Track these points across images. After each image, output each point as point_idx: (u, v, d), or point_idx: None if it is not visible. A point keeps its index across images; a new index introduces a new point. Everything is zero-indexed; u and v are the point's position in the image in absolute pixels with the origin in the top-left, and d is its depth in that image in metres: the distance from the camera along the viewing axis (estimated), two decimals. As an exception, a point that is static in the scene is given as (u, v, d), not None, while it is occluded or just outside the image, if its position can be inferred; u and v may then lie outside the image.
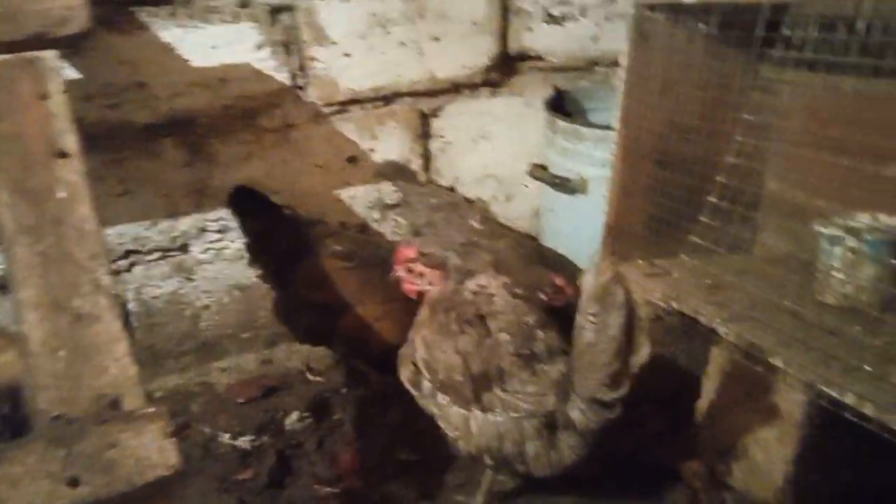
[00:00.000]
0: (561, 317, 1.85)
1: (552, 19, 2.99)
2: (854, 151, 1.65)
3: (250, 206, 2.50)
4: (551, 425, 1.73)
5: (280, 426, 2.43)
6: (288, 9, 2.54)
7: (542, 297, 2.42)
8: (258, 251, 2.53)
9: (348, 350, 2.51)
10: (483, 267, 1.98)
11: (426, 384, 1.88)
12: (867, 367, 1.53)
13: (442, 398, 1.85)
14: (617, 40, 2.84)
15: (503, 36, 2.92)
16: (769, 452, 1.93)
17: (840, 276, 1.85)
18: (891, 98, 1.62)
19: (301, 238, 2.49)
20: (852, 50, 1.53)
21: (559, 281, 2.44)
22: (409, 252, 2.01)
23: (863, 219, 1.91)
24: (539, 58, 3.03)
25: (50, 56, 1.65)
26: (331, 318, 2.34)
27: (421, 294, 1.98)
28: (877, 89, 1.56)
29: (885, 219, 1.88)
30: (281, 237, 2.49)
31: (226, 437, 2.38)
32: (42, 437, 1.18)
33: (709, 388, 2.13)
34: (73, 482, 1.14)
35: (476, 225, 2.87)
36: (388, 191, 2.91)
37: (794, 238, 2.11)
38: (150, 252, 2.61)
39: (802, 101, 1.80)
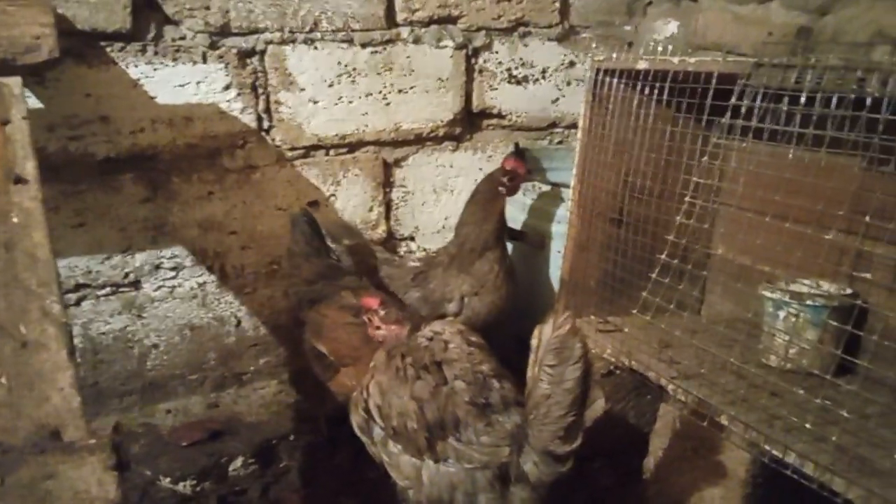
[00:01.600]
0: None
1: (515, 80, 3.09)
2: (797, 217, 1.73)
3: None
4: (504, 477, 1.72)
5: (224, 471, 2.37)
6: (257, 53, 2.58)
7: (502, 189, 2.52)
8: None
9: (331, 412, 2.47)
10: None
11: (378, 431, 1.86)
12: (808, 427, 1.58)
13: (394, 446, 1.82)
14: (576, 103, 2.98)
15: (467, 93, 3.01)
16: (714, 510, 1.95)
17: (784, 339, 1.91)
18: (831, 167, 1.71)
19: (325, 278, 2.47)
20: (795, 120, 1.62)
21: (509, 164, 2.52)
22: (373, 302, 2.02)
23: (805, 284, 1.99)
24: (501, 115, 3.12)
25: (14, 83, 1.65)
26: (327, 370, 2.31)
27: (382, 341, 1.98)
28: (818, 158, 1.65)
29: (825, 285, 1.97)
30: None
31: (166, 481, 2.31)
32: (-24, 466, 1.14)
33: (657, 445, 2.15)
34: (6, 513, 1.10)
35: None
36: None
37: (740, 300, 2.18)
38: (101, 287, 2.55)
39: (749, 168, 1.89)
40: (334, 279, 2.45)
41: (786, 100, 1.63)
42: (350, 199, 2.90)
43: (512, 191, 2.57)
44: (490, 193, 2.57)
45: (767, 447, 1.63)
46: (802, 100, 1.59)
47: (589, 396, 1.63)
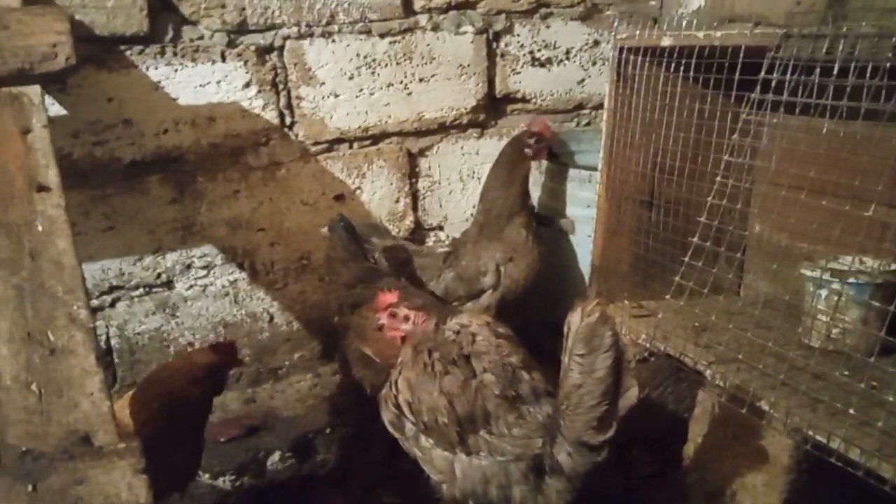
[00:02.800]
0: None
1: (538, 62, 3.03)
2: (834, 193, 1.66)
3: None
4: (538, 469, 1.69)
5: (262, 466, 2.39)
6: (275, 49, 2.58)
7: (528, 150, 2.50)
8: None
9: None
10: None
11: (409, 426, 1.84)
12: (853, 412, 1.52)
13: (426, 441, 1.81)
14: (602, 83, 2.89)
15: (489, 78, 2.97)
16: (757, 498, 1.90)
17: (825, 319, 1.84)
18: (867, 140, 1.64)
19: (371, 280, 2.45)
20: (828, 92, 1.55)
21: (535, 126, 2.50)
22: (391, 297, 2.00)
23: (847, 261, 1.92)
24: (525, 100, 3.07)
25: (33, 91, 1.66)
26: (378, 374, 2.29)
27: (405, 338, 1.96)
28: (853, 131, 1.58)
29: (868, 261, 1.89)
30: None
31: (206, 477, 2.33)
32: (8, 473, 1.15)
33: (696, 431, 2.10)
34: (37, 520, 1.11)
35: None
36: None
37: (778, 280, 2.12)
38: (134, 288, 2.59)
39: (782, 143, 1.82)
40: (372, 282, 2.44)
41: (818, 71, 1.57)
42: (376, 191, 2.89)
43: (538, 154, 2.54)
44: (516, 156, 2.54)
45: (810, 433, 1.59)
46: (835, 70, 1.53)
47: (622, 385, 1.59)
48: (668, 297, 2.01)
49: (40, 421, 1.26)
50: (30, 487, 1.15)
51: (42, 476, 1.17)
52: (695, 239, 1.83)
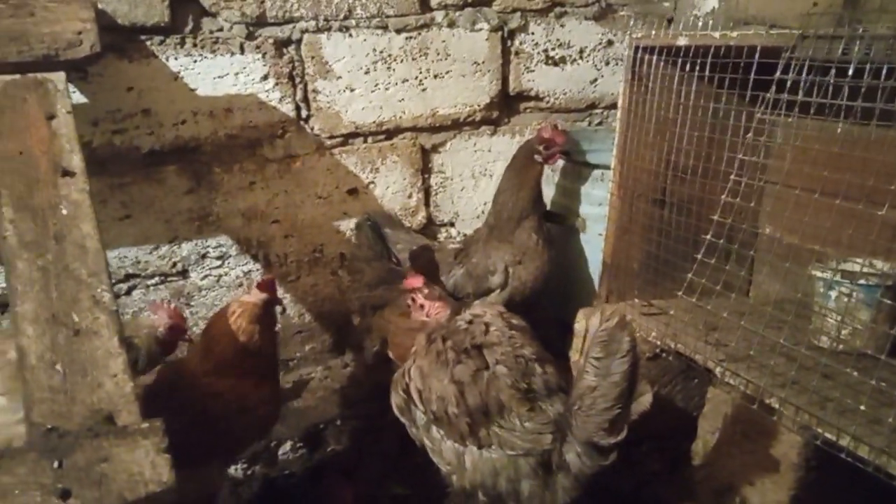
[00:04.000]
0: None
1: (552, 61, 3.05)
2: (847, 194, 1.67)
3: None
4: (546, 465, 1.70)
5: (273, 455, 2.41)
6: (293, 42, 2.60)
7: (538, 156, 2.53)
8: None
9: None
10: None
11: (419, 415, 1.86)
12: (863, 408, 1.53)
13: (436, 431, 1.82)
14: (615, 83, 2.93)
15: (503, 76, 2.99)
16: (765, 495, 1.91)
17: (835, 319, 1.86)
18: (881, 141, 1.65)
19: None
20: (843, 93, 1.56)
21: (546, 132, 2.52)
22: (416, 281, 2.03)
23: (858, 263, 1.93)
24: (538, 98, 3.09)
25: (57, 78, 1.69)
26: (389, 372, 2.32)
27: (423, 324, 1.98)
28: (867, 131, 1.59)
29: (879, 263, 1.91)
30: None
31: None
32: (34, 449, 1.18)
33: (705, 428, 2.12)
34: (65, 495, 1.13)
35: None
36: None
37: (789, 280, 2.13)
38: (150, 276, 2.62)
39: (795, 143, 1.83)
40: (393, 283, 2.46)
41: (833, 72, 1.58)
42: (389, 185, 2.91)
43: (549, 159, 2.56)
44: (527, 160, 2.56)
45: (820, 430, 1.60)
46: (850, 72, 1.54)
47: (636, 390, 1.60)
48: (679, 294, 2.02)
49: (64, 400, 1.29)
50: (56, 464, 1.17)
51: (67, 453, 1.19)
52: (708, 237, 1.84)
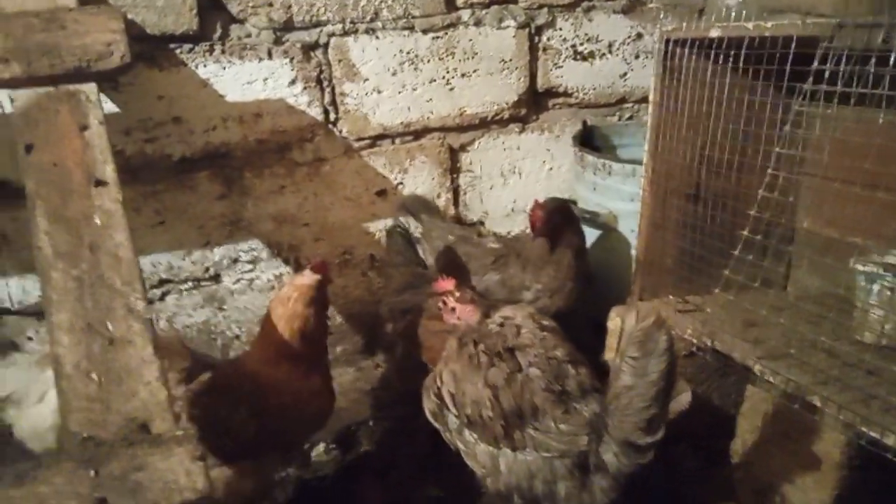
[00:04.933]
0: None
1: (580, 56, 3.01)
2: (889, 186, 1.62)
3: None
4: (583, 466, 1.69)
5: (306, 457, 2.42)
6: (320, 46, 2.60)
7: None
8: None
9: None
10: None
11: (452, 419, 1.85)
12: (908, 406, 1.49)
13: (469, 435, 1.81)
14: (645, 77, 2.88)
15: (531, 73, 2.96)
16: (807, 494, 1.87)
17: (878, 313, 1.80)
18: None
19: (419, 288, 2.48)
20: (883, 82, 1.51)
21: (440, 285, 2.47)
22: (447, 284, 2.02)
23: (900, 255, 1.88)
24: (567, 94, 3.05)
25: (90, 89, 1.71)
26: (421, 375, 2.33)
27: (455, 327, 1.97)
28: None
29: (922, 255, 1.85)
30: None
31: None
32: (71, 458, 1.19)
33: (744, 427, 2.08)
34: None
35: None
36: (414, 224, 2.92)
37: (829, 274, 2.07)
38: (183, 281, 2.65)
39: (834, 135, 1.78)
40: (420, 288, 2.46)
41: (872, 61, 1.53)
42: (417, 186, 2.91)
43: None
44: None
45: (864, 429, 1.55)
46: (891, 60, 1.49)
47: (674, 388, 1.58)
48: (716, 290, 1.98)
49: (100, 409, 1.30)
50: (92, 473, 1.18)
51: (103, 462, 1.20)
52: (745, 232, 1.80)
